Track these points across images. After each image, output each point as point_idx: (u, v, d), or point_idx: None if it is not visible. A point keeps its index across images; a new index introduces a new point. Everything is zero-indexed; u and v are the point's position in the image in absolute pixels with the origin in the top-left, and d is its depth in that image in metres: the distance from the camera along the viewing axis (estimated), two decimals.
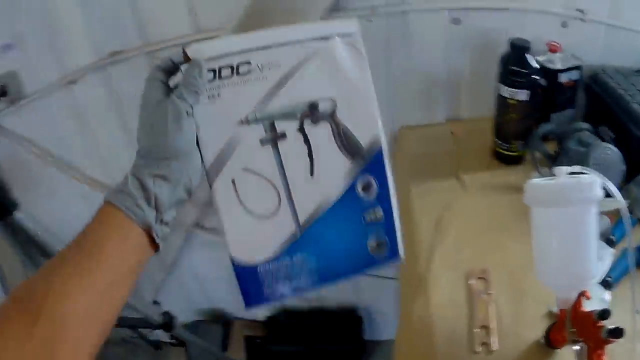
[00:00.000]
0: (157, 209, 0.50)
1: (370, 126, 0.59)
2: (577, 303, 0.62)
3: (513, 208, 0.93)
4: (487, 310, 0.78)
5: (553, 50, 1.11)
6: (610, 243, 0.87)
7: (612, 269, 0.83)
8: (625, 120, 1.02)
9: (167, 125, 0.50)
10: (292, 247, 0.59)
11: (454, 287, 0.83)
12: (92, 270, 0.46)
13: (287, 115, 0.56)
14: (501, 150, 1.12)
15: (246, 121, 0.55)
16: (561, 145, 1.02)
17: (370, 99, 0.59)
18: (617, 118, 1.04)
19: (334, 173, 0.58)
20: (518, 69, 1.01)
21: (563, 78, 1.10)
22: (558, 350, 0.72)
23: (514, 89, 1.02)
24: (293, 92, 0.56)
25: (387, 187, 0.60)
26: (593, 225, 0.63)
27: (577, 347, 0.63)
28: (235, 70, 0.55)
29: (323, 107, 0.57)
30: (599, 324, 0.59)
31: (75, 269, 0.45)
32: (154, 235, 0.50)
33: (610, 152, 0.95)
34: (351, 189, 0.59)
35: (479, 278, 0.83)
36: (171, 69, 0.55)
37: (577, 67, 1.11)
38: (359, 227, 0.60)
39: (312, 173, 0.58)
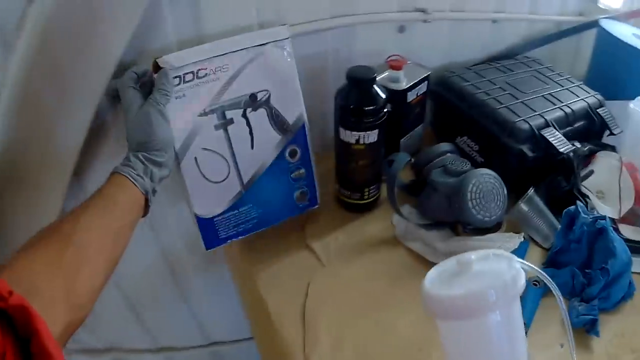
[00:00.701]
0: (152, 180, 0.64)
1: (295, 108, 0.79)
2: None
3: (384, 271, 0.79)
4: None
5: (396, 67, 0.90)
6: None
7: (526, 314, 0.72)
8: (486, 125, 0.91)
9: (152, 124, 0.65)
10: (239, 202, 0.79)
11: None
12: (109, 215, 0.57)
13: (234, 105, 0.75)
14: (349, 200, 0.90)
15: (204, 113, 0.73)
16: (421, 177, 0.88)
17: (296, 88, 0.78)
18: (476, 123, 0.93)
19: (268, 145, 0.79)
20: (363, 106, 0.79)
21: (411, 96, 0.93)
22: None
23: (360, 132, 0.80)
24: (238, 87, 0.74)
25: (308, 152, 0.82)
26: (518, 320, 0.53)
27: None
28: (195, 75, 0.71)
29: (261, 97, 0.76)
30: None
31: (97, 210, 0.57)
32: (149, 199, 0.64)
33: (487, 177, 0.79)
34: (281, 155, 0.80)
35: None
36: (138, 78, 0.67)
37: (424, 79, 0.95)
38: (287, 183, 0.82)
39: (252, 146, 0.78)
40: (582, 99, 0.96)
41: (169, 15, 0.73)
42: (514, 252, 0.76)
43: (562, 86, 0.99)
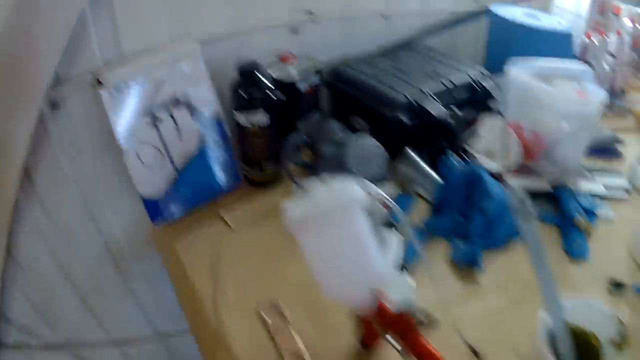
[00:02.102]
0: None
1: (212, 106, 1.00)
2: (380, 307, 0.60)
3: (284, 232, 0.76)
4: (292, 339, 0.76)
5: (284, 60, 1.08)
6: (391, 226, 0.94)
7: (408, 252, 0.82)
8: (371, 103, 1.07)
9: None
10: (174, 184, 0.98)
11: (252, 331, 0.78)
12: None
13: (161, 107, 0.95)
14: (254, 177, 1.06)
15: (139, 115, 0.93)
16: (316, 152, 1.01)
17: (208, 88, 0.99)
18: (364, 104, 1.08)
19: (192, 136, 0.99)
20: (251, 93, 0.96)
21: (303, 86, 1.10)
22: (376, 349, 0.72)
23: (251, 115, 0.97)
24: (163, 93, 0.94)
25: (227, 139, 1.02)
26: (362, 229, 0.59)
27: (393, 342, 0.62)
28: (128, 86, 0.91)
29: (182, 99, 0.97)
30: (405, 317, 0.59)
31: None
32: None
33: (366, 142, 0.97)
34: (205, 145, 1.00)
35: (274, 314, 0.80)
36: None
37: (315, 71, 1.11)
38: (212, 167, 1.02)
39: (180, 138, 0.98)
40: (465, 74, 1.14)
41: (94, 35, 0.90)
42: (402, 204, 0.90)
43: (449, 65, 1.17)
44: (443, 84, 1.10)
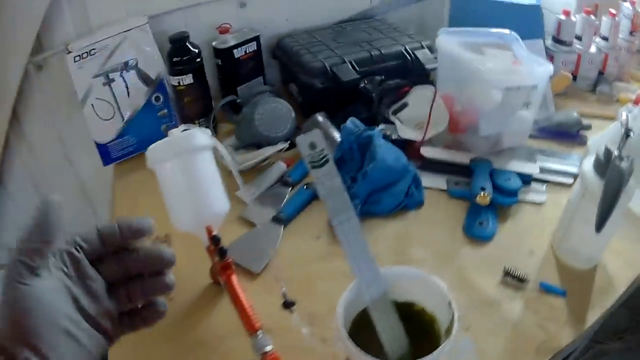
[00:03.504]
0: None
1: (157, 67, 1.17)
2: (211, 237, 0.63)
3: None
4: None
5: (223, 31, 1.21)
6: (287, 184, 1.00)
7: (285, 207, 0.94)
8: (296, 71, 1.18)
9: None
10: (122, 132, 1.17)
11: None
12: None
13: (114, 70, 1.14)
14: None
15: (96, 76, 1.14)
16: (239, 112, 1.14)
17: (155, 54, 1.17)
18: (295, 73, 1.18)
19: (139, 93, 1.17)
20: (179, 58, 1.12)
21: (238, 53, 1.22)
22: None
23: (179, 77, 1.13)
24: (116, 58, 1.14)
25: (168, 97, 1.19)
26: (204, 168, 0.67)
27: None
28: (89, 53, 1.13)
29: (131, 63, 1.15)
30: (213, 250, 0.62)
31: None
32: None
33: (274, 104, 1.09)
34: (149, 100, 1.18)
35: (163, 242, 0.85)
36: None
37: (252, 40, 1.23)
38: (156, 120, 1.20)
39: (128, 95, 1.17)
40: (399, 44, 1.19)
41: (68, 12, 1.14)
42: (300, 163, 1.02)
43: (389, 37, 1.23)
44: (369, 52, 1.16)
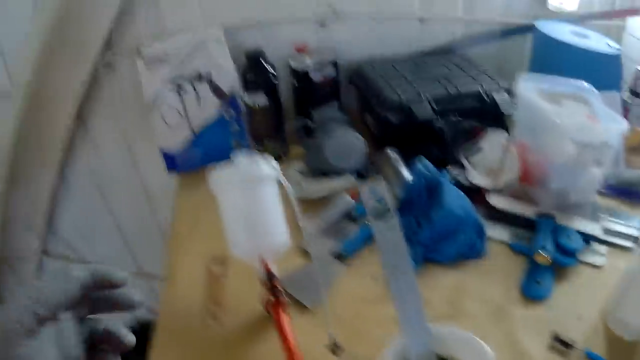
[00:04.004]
0: None
1: (230, 83, 1.16)
2: (266, 271, 0.65)
3: None
4: (222, 289, 0.85)
5: (300, 51, 1.19)
6: (351, 219, 0.99)
7: (346, 243, 0.93)
8: (373, 102, 1.14)
9: None
10: (190, 143, 1.17)
11: (198, 274, 0.88)
12: None
13: (186, 78, 1.14)
14: (258, 151, 1.16)
15: (167, 82, 1.14)
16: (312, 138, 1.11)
17: (230, 69, 1.15)
18: (372, 104, 1.14)
19: (210, 105, 1.17)
20: (254, 76, 1.11)
21: (316, 77, 1.19)
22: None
23: (253, 95, 1.12)
24: (189, 67, 1.14)
25: (240, 114, 1.18)
26: (266, 199, 0.69)
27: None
28: (162, 59, 1.12)
29: (204, 74, 1.15)
30: (267, 285, 0.65)
31: None
32: None
33: (347, 135, 1.06)
34: (220, 114, 1.17)
35: (218, 263, 0.90)
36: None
37: (331, 64, 1.20)
38: (226, 135, 1.19)
39: (199, 106, 1.16)
40: (477, 83, 1.15)
41: (142, 13, 1.14)
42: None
43: (469, 74, 1.19)
44: (447, 90, 1.12)
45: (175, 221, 1.07)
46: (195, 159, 1.18)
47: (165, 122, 1.16)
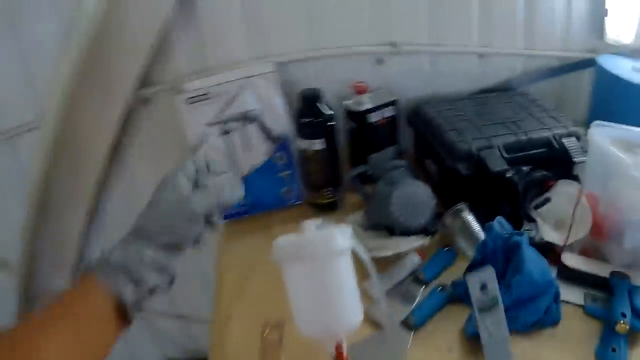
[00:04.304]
0: (143, 293, 0.53)
1: (281, 123, 1.07)
2: (338, 354, 0.61)
3: None
4: (277, 357, 0.80)
5: (360, 91, 1.10)
6: (419, 281, 0.91)
7: (416, 309, 0.85)
8: (438, 148, 1.05)
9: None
10: None
11: (250, 339, 0.83)
12: (70, 341, 0.46)
13: (233, 119, 1.05)
14: (310, 199, 1.12)
15: (211, 124, 1.04)
16: (372, 187, 1.02)
17: (280, 108, 1.06)
18: (432, 147, 1.06)
19: (260, 149, 1.07)
20: (310, 119, 1.03)
21: (373, 118, 1.10)
22: None
23: (309, 140, 1.04)
24: (236, 107, 1.04)
25: (292, 158, 1.09)
26: (341, 275, 0.62)
27: None
28: (205, 97, 1.03)
29: (252, 114, 1.05)
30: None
31: (57, 337, 0.46)
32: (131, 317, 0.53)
33: (414, 187, 0.96)
34: (270, 158, 1.08)
35: (273, 329, 0.84)
36: None
37: (390, 103, 1.11)
38: (276, 181, 1.10)
39: (246, 149, 1.06)
40: (547, 128, 1.07)
41: (183, 45, 1.05)
42: (434, 258, 0.94)
43: (534, 117, 1.10)
44: (516, 136, 1.04)
45: (220, 278, 0.99)
46: (241, 207, 1.09)
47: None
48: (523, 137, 1.05)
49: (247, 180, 1.07)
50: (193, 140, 1.03)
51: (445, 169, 1.03)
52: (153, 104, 1.09)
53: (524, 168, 1.01)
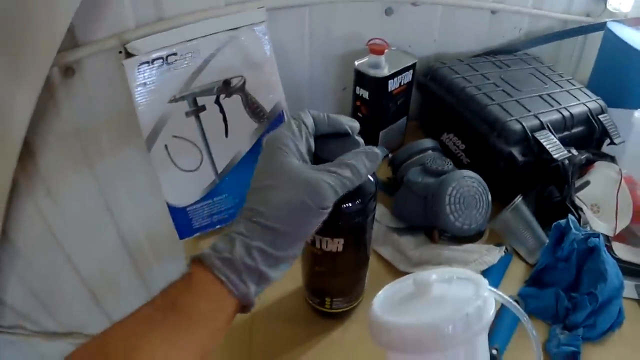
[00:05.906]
0: (259, 283, 0.44)
1: (273, 95, 0.76)
2: None
3: None
4: None
5: (377, 51, 0.83)
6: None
7: (499, 338, 0.66)
8: (474, 122, 0.85)
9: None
10: (213, 191, 0.76)
11: None
12: (183, 342, 0.40)
13: (206, 92, 0.72)
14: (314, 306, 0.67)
15: (174, 99, 0.70)
16: (398, 175, 0.81)
17: (273, 73, 0.75)
18: (465, 121, 0.87)
19: (244, 133, 0.76)
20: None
21: (393, 85, 0.85)
22: None
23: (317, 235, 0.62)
24: (211, 73, 0.72)
25: None
26: (482, 357, 0.42)
27: None
28: (165, 60, 0.68)
29: (235, 83, 0.73)
30: None
31: (166, 337, 0.39)
32: (250, 307, 0.45)
33: (469, 181, 0.72)
34: (258, 144, 0.76)
35: None
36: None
37: (409, 67, 0.87)
38: None
39: (227, 134, 0.74)
40: (582, 103, 0.89)
41: None
42: (494, 266, 0.71)
43: (562, 87, 0.93)
44: (560, 112, 0.86)
45: None
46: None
47: (174, 163, 0.72)
48: (566, 114, 0.86)
49: (228, 176, 0.76)
50: (147, 126, 0.70)
51: (488, 151, 0.81)
52: (78, 75, 0.70)
53: (575, 152, 0.83)
